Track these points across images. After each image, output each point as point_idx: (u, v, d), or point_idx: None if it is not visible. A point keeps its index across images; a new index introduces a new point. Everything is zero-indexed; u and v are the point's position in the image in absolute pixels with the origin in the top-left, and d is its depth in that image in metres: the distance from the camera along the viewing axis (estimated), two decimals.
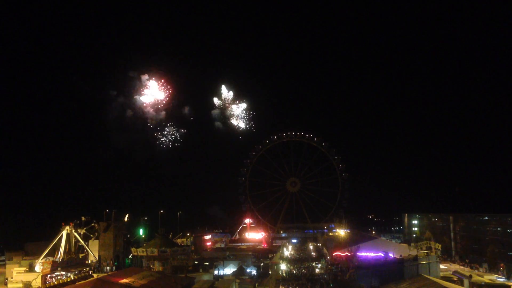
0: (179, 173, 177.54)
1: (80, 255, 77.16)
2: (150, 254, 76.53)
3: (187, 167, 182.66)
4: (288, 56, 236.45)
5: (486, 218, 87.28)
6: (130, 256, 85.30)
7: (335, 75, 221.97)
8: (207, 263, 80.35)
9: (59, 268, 64.80)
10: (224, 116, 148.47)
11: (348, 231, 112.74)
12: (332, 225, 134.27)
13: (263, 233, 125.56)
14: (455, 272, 65.49)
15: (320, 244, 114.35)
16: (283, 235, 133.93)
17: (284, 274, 69.74)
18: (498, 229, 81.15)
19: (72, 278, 60.67)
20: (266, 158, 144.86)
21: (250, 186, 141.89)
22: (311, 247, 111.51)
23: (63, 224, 75.24)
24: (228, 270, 70.61)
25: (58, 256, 71.62)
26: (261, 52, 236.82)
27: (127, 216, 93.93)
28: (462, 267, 76.16)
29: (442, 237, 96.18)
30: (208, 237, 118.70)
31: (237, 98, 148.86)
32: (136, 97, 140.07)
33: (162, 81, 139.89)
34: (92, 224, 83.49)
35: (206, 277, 71.31)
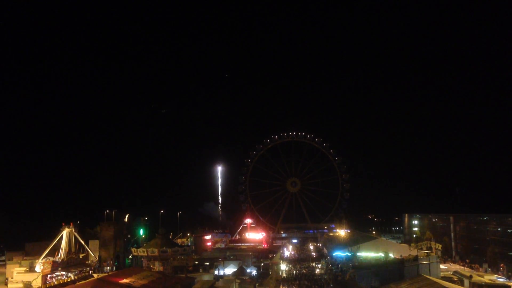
0: (179, 172, 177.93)
1: (81, 255, 77.09)
2: (150, 254, 76.54)
3: (186, 166, 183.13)
4: (292, 56, 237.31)
5: (486, 218, 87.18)
6: (130, 256, 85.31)
7: (335, 76, 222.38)
8: (207, 263, 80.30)
9: (59, 268, 64.78)
10: None
11: (348, 231, 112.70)
12: (332, 225, 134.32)
13: (263, 233, 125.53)
14: (455, 272, 65.41)
15: (320, 244, 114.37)
16: (283, 235, 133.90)
17: (284, 274, 69.73)
18: (499, 229, 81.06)
19: (73, 278, 60.62)
20: (267, 157, 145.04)
21: (250, 185, 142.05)
22: (311, 247, 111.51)
23: (63, 224, 75.14)
24: (229, 270, 70.50)
25: (59, 256, 71.58)
26: (266, 51, 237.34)
27: (127, 216, 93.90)
28: (462, 267, 76.06)
29: (443, 237, 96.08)
30: (208, 237, 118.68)
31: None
32: None
33: None
34: None
35: (206, 277, 71.23)
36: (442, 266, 69.99)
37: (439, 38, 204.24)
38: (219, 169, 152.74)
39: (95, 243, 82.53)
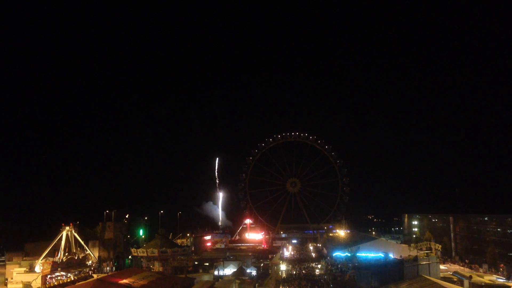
0: (179, 172, 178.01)
1: (80, 256, 77.09)
2: (150, 254, 76.51)
3: (186, 165, 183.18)
4: (302, 58, 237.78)
5: (486, 218, 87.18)
6: (130, 257, 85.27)
7: (337, 79, 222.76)
8: (207, 264, 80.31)
9: (59, 269, 64.74)
10: None
11: (348, 231, 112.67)
12: (332, 226, 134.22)
13: (263, 234, 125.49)
14: (455, 273, 65.40)
15: (320, 245, 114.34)
16: (283, 235, 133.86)
17: (284, 275, 69.71)
18: (498, 229, 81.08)
19: (72, 279, 60.73)
20: (268, 157, 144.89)
21: (250, 183, 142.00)
22: (311, 248, 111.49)
23: (63, 224, 75.15)
24: (228, 270, 70.55)
25: (58, 256, 71.58)
26: (269, 51, 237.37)
27: (127, 216, 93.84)
28: (462, 268, 76.08)
29: (442, 238, 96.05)
30: (208, 237, 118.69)
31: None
32: None
33: None
34: None
35: (206, 277, 71.27)
36: (441, 267, 69.98)
37: (439, 38, 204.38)
38: (217, 167, 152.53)
39: (95, 244, 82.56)
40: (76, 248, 76.42)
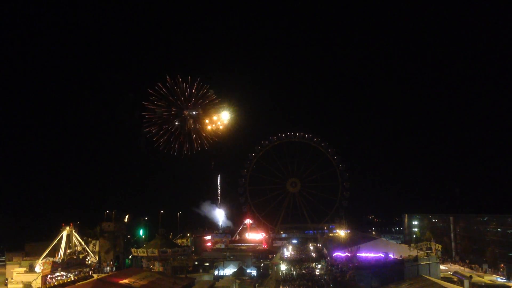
0: (178, 172, 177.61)
1: (80, 256, 77.15)
2: (150, 254, 76.57)
3: (186, 166, 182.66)
4: (303, 59, 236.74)
5: (486, 218, 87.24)
6: (130, 257, 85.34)
7: (337, 79, 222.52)
8: (207, 264, 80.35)
9: (59, 269, 64.82)
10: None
11: (348, 231, 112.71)
12: (332, 226, 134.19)
13: (263, 234, 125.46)
14: (455, 273, 65.42)
15: (320, 245, 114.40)
16: (283, 235, 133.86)
17: (284, 275, 69.76)
18: (499, 229, 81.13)
19: (72, 279, 60.69)
20: (271, 155, 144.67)
21: (250, 180, 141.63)
22: (311, 248, 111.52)
23: (63, 224, 75.26)
24: (228, 270, 70.63)
25: (58, 256, 71.64)
26: (274, 53, 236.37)
27: (127, 216, 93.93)
28: (462, 268, 76.14)
29: (442, 238, 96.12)
30: (208, 237, 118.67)
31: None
32: None
33: None
34: None
35: (206, 277, 71.38)
36: (442, 267, 70.02)
37: (438, 37, 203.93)
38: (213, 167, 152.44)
39: (95, 244, 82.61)
40: (76, 248, 76.51)
